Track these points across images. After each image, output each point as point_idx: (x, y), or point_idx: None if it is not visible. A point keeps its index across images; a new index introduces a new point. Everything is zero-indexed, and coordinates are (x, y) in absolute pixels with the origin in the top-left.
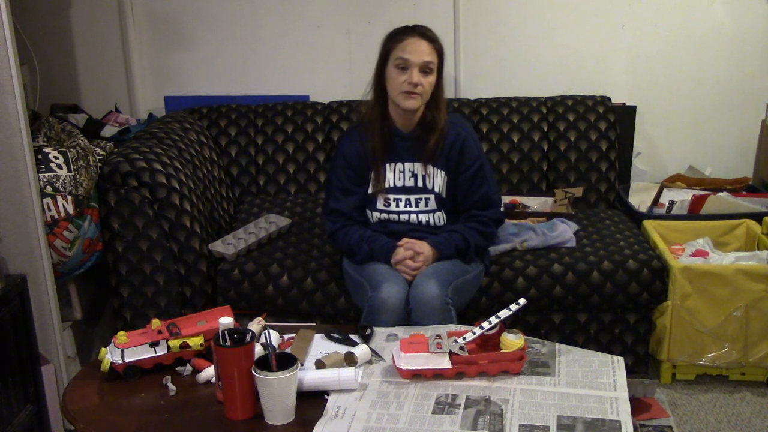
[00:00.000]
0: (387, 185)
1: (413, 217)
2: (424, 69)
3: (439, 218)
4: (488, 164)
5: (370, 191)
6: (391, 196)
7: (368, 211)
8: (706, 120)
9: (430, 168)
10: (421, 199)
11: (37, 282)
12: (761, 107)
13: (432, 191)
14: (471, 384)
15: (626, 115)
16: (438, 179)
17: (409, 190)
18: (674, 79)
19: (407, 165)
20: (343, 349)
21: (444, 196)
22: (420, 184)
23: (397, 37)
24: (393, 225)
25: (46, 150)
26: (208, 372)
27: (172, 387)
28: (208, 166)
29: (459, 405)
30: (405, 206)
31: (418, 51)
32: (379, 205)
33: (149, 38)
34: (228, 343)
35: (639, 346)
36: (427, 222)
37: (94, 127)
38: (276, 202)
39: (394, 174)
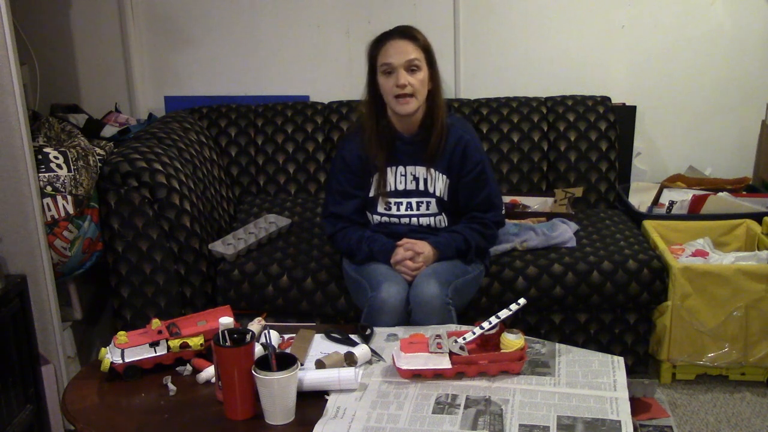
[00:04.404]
0: (388, 188)
1: (414, 220)
2: (410, 67)
3: (440, 221)
4: (490, 167)
5: (371, 194)
6: (392, 200)
7: (369, 214)
8: (706, 120)
9: (432, 171)
10: (422, 202)
11: (37, 282)
12: (761, 107)
13: (433, 195)
14: (471, 384)
15: (626, 115)
16: (440, 183)
17: (411, 193)
18: (674, 79)
19: (409, 168)
20: (343, 349)
21: (445, 199)
22: (421, 187)
23: (378, 43)
24: (394, 228)
25: (46, 150)
26: (208, 372)
27: (172, 387)
28: (208, 166)
29: (459, 405)
30: (406, 210)
31: (399, 52)
32: (380, 208)
33: (149, 38)
34: (228, 343)
35: (639, 346)
36: (428, 225)
37: (94, 127)
38: (276, 202)
39: (396, 177)
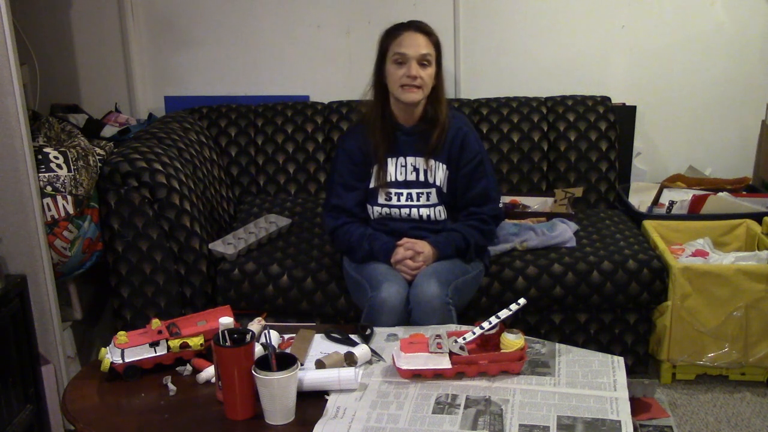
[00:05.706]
0: (389, 179)
1: (414, 211)
2: (422, 61)
3: (440, 212)
4: (488, 160)
5: (372, 186)
6: (393, 190)
7: (369, 206)
8: (706, 120)
9: (432, 162)
10: (422, 193)
11: (37, 282)
12: (761, 107)
13: (433, 185)
14: (471, 384)
15: (626, 115)
16: (439, 173)
17: (411, 184)
18: (674, 79)
19: (409, 159)
20: (343, 349)
21: (445, 190)
22: (422, 178)
23: (393, 33)
24: (394, 222)
25: (46, 150)
26: (208, 372)
27: (172, 387)
28: (208, 166)
29: (459, 405)
30: (406, 200)
31: (414, 44)
32: (381, 199)
33: (149, 38)
34: (228, 343)
35: (639, 346)
36: (428, 216)
37: (94, 127)
38: (276, 202)
39: (396, 168)
